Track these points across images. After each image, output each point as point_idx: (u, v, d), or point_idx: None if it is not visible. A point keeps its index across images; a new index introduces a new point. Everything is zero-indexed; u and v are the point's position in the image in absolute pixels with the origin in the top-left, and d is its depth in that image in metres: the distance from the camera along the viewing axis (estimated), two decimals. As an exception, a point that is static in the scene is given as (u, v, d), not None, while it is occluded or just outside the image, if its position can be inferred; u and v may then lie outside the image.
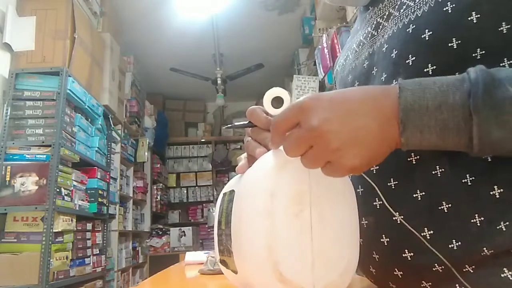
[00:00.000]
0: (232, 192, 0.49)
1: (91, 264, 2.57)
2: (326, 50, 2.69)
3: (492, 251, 0.42)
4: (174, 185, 5.43)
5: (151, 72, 4.61)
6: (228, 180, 5.23)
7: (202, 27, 3.82)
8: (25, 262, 2.00)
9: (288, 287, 0.39)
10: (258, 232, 0.40)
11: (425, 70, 0.47)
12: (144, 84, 4.43)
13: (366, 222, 0.54)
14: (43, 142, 2.20)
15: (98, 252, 2.72)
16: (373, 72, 0.57)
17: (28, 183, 2.11)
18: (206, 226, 5.08)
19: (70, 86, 2.35)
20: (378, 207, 0.52)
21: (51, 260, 2.06)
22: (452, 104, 0.38)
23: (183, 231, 4.78)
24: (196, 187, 5.45)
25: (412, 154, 0.48)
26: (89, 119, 2.74)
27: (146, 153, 4.16)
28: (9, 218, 2.12)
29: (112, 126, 3.14)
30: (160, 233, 4.72)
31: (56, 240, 2.14)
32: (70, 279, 2.26)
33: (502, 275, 0.42)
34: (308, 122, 0.39)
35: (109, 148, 3.05)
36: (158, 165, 4.91)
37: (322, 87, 3.15)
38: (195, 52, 4.27)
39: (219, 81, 4.27)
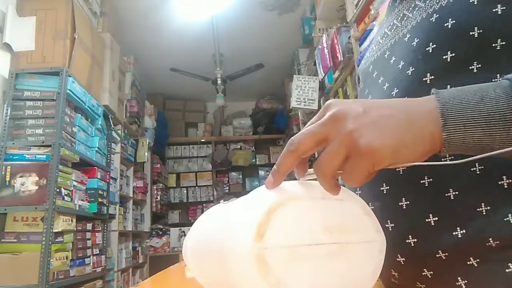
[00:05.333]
0: None
1: (91, 264, 2.56)
2: (326, 50, 2.69)
3: (498, 242, 0.41)
4: (174, 185, 5.43)
5: (151, 72, 4.61)
6: (228, 180, 5.17)
7: (202, 27, 3.82)
8: (25, 262, 2.00)
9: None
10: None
11: (444, 57, 0.48)
12: (144, 84, 4.42)
13: (372, 207, 0.54)
14: (43, 142, 2.20)
15: (98, 252, 2.72)
16: (391, 61, 0.58)
17: (28, 183, 2.11)
18: (206, 226, 5.08)
19: (70, 86, 2.34)
20: (385, 192, 0.52)
21: (51, 260, 2.06)
22: (494, 97, 0.36)
23: (183, 231, 4.78)
24: (196, 187, 5.45)
25: None
26: (89, 119, 2.74)
27: (146, 153, 4.16)
28: (9, 218, 2.12)
29: (112, 126, 3.14)
30: (160, 233, 4.72)
31: (56, 240, 2.14)
32: (70, 279, 2.26)
33: (507, 270, 0.41)
34: (328, 112, 0.38)
35: (109, 148, 3.05)
36: (158, 165, 4.91)
37: (322, 87, 3.15)
38: (195, 52, 4.27)
39: (219, 81, 4.28)
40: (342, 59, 2.49)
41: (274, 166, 0.40)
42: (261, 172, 5.67)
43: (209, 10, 3.57)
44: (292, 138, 0.39)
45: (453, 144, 0.37)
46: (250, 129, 5.65)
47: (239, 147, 5.64)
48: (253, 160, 5.61)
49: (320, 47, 2.81)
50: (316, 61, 2.97)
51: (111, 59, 3.14)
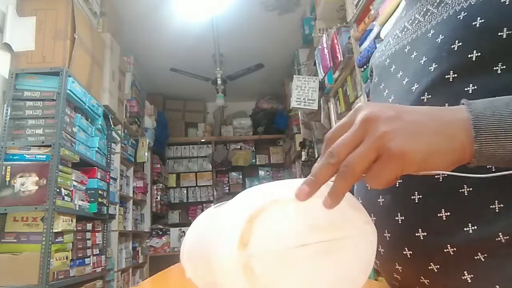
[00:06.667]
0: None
1: (91, 264, 2.56)
2: (326, 50, 2.69)
3: (507, 237, 0.42)
4: (174, 185, 5.44)
5: (151, 72, 4.61)
6: (228, 180, 5.19)
7: (202, 27, 3.82)
8: (25, 262, 2.00)
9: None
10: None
11: (469, 55, 0.47)
12: (144, 84, 4.43)
13: (383, 200, 0.54)
14: (43, 142, 2.20)
15: (98, 252, 2.72)
16: (412, 56, 0.57)
17: (28, 183, 2.11)
18: (206, 226, 5.08)
19: (70, 86, 2.34)
20: (397, 185, 0.52)
21: (51, 260, 2.06)
22: None
23: (183, 231, 4.79)
24: (196, 187, 5.45)
25: None
26: (89, 119, 2.74)
27: (146, 153, 4.16)
28: (9, 218, 2.12)
29: (112, 126, 3.14)
30: (160, 233, 4.72)
31: (56, 240, 2.14)
32: (70, 279, 2.26)
33: None
34: (359, 114, 0.38)
35: (109, 148, 3.05)
36: (158, 165, 4.91)
37: (322, 87, 3.15)
38: (195, 52, 4.27)
39: (219, 81, 4.28)
40: (342, 59, 2.49)
41: (310, 177, 0.39)
42: (261, 172, 5.67)
43: (209, 10, 3.57)
44: (330, 150, 0.38)
45: (484, 155, 0.37)
46: (250, 129, 5.65)
47: (239, 147, 5.64)
48: (253, 160, 5.61)
49: (320, 47, 2.81)
50: (316, 61, 2.97)
51: (111, 59, 3.14)
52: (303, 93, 3.16)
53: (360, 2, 2.27)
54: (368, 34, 2.15)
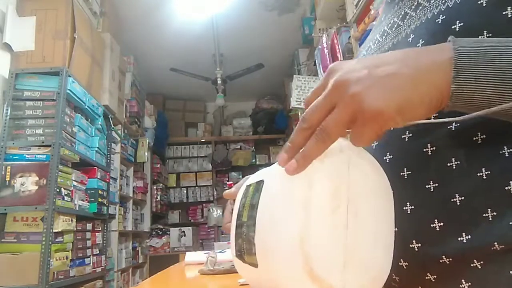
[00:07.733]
0: (260, 182, 0.47)
1: (91, 264, 2.57)
2: (326, 50, 2.69)
3: (503, 246, 0.41)
4: (174, 185, 5.43)
5: (151, 72, 4.61)
6: (228, 180, 5.15)
7: (202, 27, 3.82)
8: (25, 262, 2.00)
9: (317, 284, 0.37)
10: (291, 223, 0.38)
11: None
12: (144, 84, 4.43)
13: None
14: (43, 142, 2.20)
15: (98, 252, 2.72)
16: None
17: (28, 183, 2.11)
18: (206, 226, 5.08)
19: (70, 86, 2.35)
20: None
21: (51, 260, 2.06)
22: None
23: (183, 231, 4.78)
24: (196, 187, 5.45)
25: (428, 145, 0.47)
26: (89, 119, 2.74)
27: (146, 153, 4.16)
28: (9, 218, 2.12)
29: (112, 126, 3.14)
30: (160, 233, 4.72)
31: (56, 240, 2.14)
32: (70, 279, 2.26)
33: (511, 272, 0.41)
34: (331, 79, 0.38)
35: (109, 148, 3.05)
36: (158, 165, 4.91)
37: (322, 87, 3.15)
38: (195, 52, 4.27)
39: (219, 81, 4.28)
40: (342, 59, 2.49)
41: (287, 143, 0.40)
42: (261, 172, 5.66)
43: (209, 10, 3.57)
44: (303, 115, 0.39)
45: (461, 97, 0.36)
46: (250, 129, 5.65)
47: (239, 147, 5.64)
48: (253, 160, 5.61)
49: (320, 47, 2.81)
50: (316, 61, 2.97)
51: (111, 59, 3.14)
52: (303, 93, 3.15)
53: (360, 2, 2.27)
54: (368, 34, 2.15)
